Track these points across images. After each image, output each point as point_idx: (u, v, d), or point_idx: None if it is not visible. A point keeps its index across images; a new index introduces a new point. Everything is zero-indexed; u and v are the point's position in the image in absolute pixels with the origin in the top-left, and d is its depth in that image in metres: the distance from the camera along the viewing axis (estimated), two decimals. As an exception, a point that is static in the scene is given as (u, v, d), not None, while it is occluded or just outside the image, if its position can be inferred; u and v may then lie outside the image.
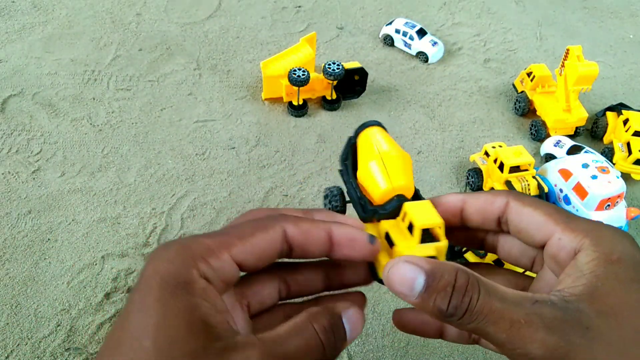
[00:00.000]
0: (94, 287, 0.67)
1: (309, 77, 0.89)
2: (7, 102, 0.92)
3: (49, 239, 0.72)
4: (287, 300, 0.30)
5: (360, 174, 0.33)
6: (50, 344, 0.61)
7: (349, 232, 0.28)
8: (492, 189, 0.79)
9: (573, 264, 0.24)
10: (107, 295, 0.66)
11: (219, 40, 1.10)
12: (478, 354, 0.64)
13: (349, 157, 0.35)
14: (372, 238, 0.28)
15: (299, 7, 1.22)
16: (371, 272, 0.30)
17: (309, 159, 0.87)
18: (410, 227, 0.29)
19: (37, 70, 0.98)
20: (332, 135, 0.92)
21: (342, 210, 0.35)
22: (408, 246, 0.28)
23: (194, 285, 0.23)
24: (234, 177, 0.83)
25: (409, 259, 0.25)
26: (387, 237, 0.29)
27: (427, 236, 0.28)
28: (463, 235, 0.31)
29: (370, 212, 0.31)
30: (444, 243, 0.28)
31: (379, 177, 0.31)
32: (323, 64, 0.91)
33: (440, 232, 0.28)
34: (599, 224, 0.25)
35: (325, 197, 0.35)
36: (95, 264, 0.70)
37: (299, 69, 0.89)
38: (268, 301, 0.29)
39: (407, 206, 0.29)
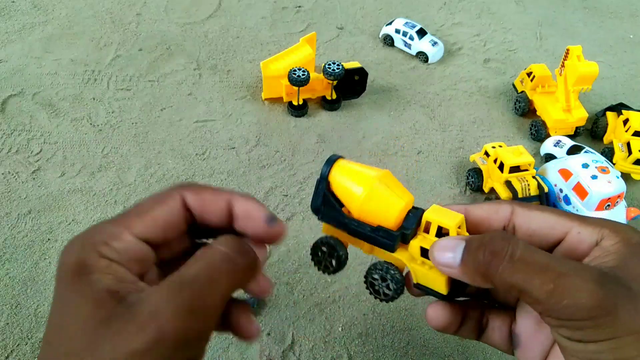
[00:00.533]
0: (94, 287, 0.67)
1: (309, 77, 0.89)
2: (7, 102, 0.92)
3: (49, 239, 0.72)
4: None
5: (356, 209, 0.31)
6: (50, 344, 0.61)
7: (249, 206, 0.28)
8: (493, 189, 0.79)
9: (597, 248, 0.25)
10: (107, 295, 0.66)
11: (219, 40, 1.10)
12: (478, 354, 0.64)
13: (327, 201, 0.31)
14: (271, 218, 0.28)
15: (299, 7, 1.22)
16: (427, 292, 0.30)
17: (309, 159, 0.87)
18: (440, 232, 0.29)
19: (37, 70, 0.98)
20: (332, 135, 0.92)
21: (343, 264, 0.33)
22: None
23: (94, 266, 0.24)
24: (234, 177, 0.83)
25: (446, 237, 0.28)
26: (424, 250, 0.29)
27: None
28: None
29: (397, 237, 0.30)
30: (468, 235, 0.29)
31: (391, 199, 0.30)
32: (323, 64, 0.91)
33: (463, 228, 0.29)
34: (611, 220, 0.27)
35: (314, 254, 0.32)
36: (95, 264, 0.70)
37: (299, 69, 0.89)
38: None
39: (427, 216, 0.29)
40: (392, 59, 1.09)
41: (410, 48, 1.09)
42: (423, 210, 0.30)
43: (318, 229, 0.77)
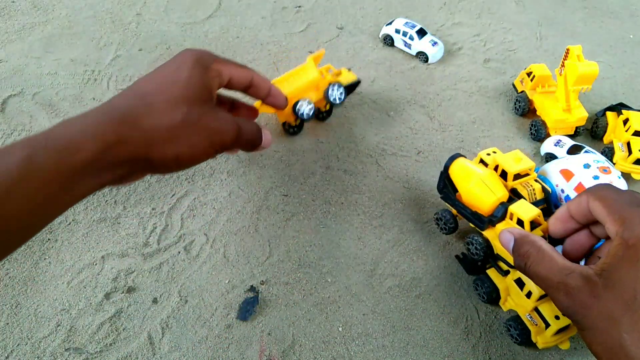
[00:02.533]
0: (94, 287, 0.67)
1: (314, 113, 0.84)
2: (7, 102, 0.92)
3: (49, 239, 0.72)
4: None
5: (464, 195, 0.50)
6: (50, 344, 0.61)
7: (261, 80, 0.58)
8: None
9: (607, 247, 0.39)
10: (107, 295, 0.66)
11: (219, 40, 1.10)
12: (478, 355, 0.64)
13: (447, 186, 0.51)
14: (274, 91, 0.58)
15: (299, 7, 1.22)
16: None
17: (309, 159, 0.87)
18: (520, 222, 0.46)
19: (37, 70, 0.98)
20: (332, 135, 0.92)
21: (455, 228, 0.56)
22: None
23: (211, 70, 0.47)
24: (234, 177, 0.83)
25: (510, 229, 0.43)
26: None
27: (533, 224, 0.47)
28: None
29: (487, 221, 0.48)
30: (544, 225, 0.46)
31: (486, 193, 0.48)
32: (326, 88, 0.86)
33: (540, 218, 0.46)
34: (634, 209, 0.35)
35: (439, 219, 0.55)
36: (95, 264, 0.69)
37: (307, 103, 0.83)
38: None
39: (511, 208, 0.47)
40: (392, 59, 1.09)
41: (410, 48, 1.09)
42: (507, 204, 0.50)
43: (318, 229, 0.77)
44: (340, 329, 0.65)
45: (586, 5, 1.32)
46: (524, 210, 0.46)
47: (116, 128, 0.38)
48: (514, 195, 0.74)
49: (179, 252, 0.72)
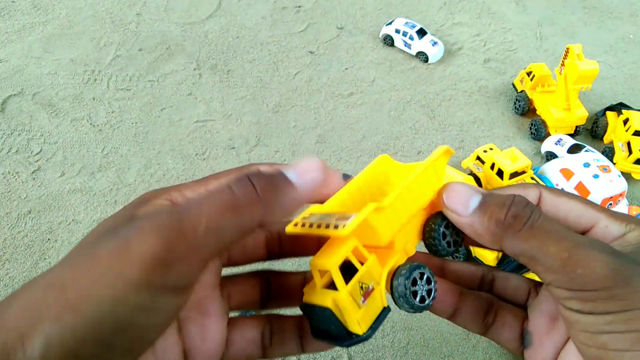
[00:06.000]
0: (94, 287, 0.67)
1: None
2: (7, 102, 0.92)
3: (49, 239, 0.72)
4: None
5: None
6: (50, 344, 0.61)
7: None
8: None
9: (620, 240, 0.25)
10: (107, 295, 0.66)
11: (219, 40, 1.10)
12: (478, 355, 0.64)
13: None
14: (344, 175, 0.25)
15: (299, 7, 1.22)
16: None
17: (309, 159, 0.87)
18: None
19: (37, 70, 0.98)
20: (332, 135, 0.92)
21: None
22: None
23: (150, 200, 0.23)
24: (234, 177, 0.83)
25: (466, 184, 0.25)
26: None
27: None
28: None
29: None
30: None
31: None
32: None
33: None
34: (633, 216, 0.26)
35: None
36: (95, 264, 0.69)
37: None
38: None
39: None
40: (392, 59, 1.09)
41: (410, 48, 1.09)
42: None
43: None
44: (340, 328, 0.65)
45: (586, 5, 1.32)
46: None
47: None
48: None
49: (179, 252, 0.72)
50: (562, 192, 0.27)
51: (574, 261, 0.22)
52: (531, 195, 0.27)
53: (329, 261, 0.22)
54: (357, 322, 0.22)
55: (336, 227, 0.21)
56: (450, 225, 0.26)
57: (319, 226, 0.22)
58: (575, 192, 0.75)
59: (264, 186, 0.21)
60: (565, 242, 0.23)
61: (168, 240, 0.19)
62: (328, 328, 0.23)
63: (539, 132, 0.92)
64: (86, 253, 0.19)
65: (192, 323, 0.24)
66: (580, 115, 0.91)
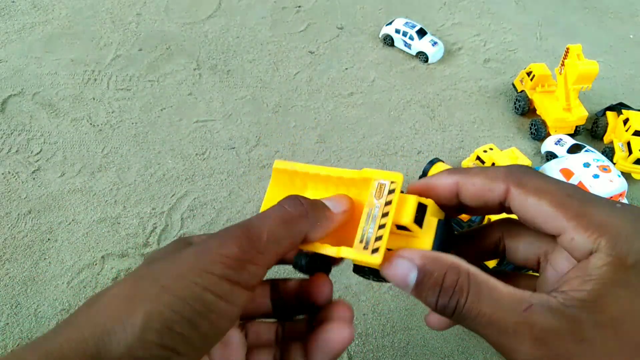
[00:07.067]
0: (94, 287, 0.67)
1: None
2: (7, 102, 0.92)
3: (49, 239, 0.72)
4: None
5: None
6: (50, 344, 0.61)
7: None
8: None
9: (584, 265, 0.22)
10: (107, 295, 0.66)
11: (219, 40, 1.10)
12: (478, 355, 0.64)
13: None
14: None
15: (299, 7, 1.22)
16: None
17: (309, 159, 0.87)
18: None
19: (37, 70, 0.98)
20: (332, 136, 0.92)
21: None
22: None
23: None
24: (234, 177, 0.83)
25: (404, 253, 0.24)
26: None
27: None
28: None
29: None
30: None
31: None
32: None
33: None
34: (619, 214, 0.23)
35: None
36: (95, 264, 0.69)
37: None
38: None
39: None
40: (392, 59, 1.09)
41: (410, 48, 1.09)
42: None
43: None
44: (340, 328, 0.65)
45: (586, 5, 1.32)
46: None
47: None
48: None
49: (179, 252, 0.72)
50: (533, 187, 0.24)
51: (499, 347, 0.22)
52: (497, 191, 0.25)
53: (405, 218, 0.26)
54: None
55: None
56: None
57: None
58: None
59: (310, 206, 0.26)
60: (490, 329, 0.22)
61: (241, 245, 0.23)
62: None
63: (539, 132, 0.93)
64: (163, 259, 0.23)
65: (215, 352, 0.27)
66: (580, 115, 0.91)
